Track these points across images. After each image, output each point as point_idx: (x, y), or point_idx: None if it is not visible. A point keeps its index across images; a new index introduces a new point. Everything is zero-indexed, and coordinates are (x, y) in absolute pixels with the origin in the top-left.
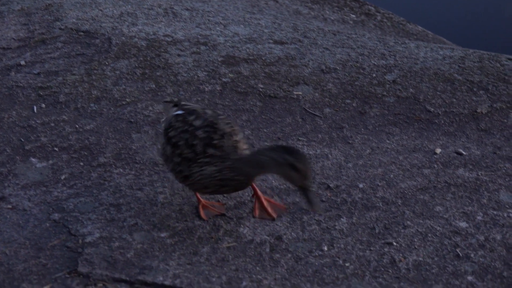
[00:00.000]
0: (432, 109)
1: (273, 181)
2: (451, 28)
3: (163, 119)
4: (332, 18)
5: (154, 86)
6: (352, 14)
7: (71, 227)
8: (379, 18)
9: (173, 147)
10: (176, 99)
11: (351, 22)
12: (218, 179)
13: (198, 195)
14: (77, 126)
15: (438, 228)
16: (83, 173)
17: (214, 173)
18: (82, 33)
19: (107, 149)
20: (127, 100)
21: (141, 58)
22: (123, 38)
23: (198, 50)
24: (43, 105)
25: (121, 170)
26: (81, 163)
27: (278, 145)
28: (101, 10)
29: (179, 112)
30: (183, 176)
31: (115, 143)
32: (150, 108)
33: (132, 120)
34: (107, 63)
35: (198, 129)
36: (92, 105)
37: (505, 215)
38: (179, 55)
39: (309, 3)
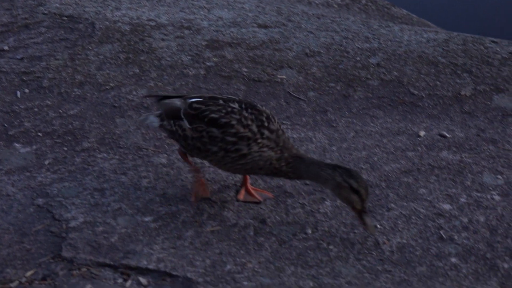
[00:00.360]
0: (416, 92)
1: None
2: (435, 11)
3: (147, 116)
4: (316, 1)
5: (138, 70)
6: None
7: (55, 212)
8: (363, 1)
9: (223, 127)
10: (160, 93)
11: (335, 5)
12: (274, 167)
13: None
14: (60, 111)
15: (422, 210)
16: (67, 158)
17: (273, 159)
18: (65, 18)
19: (91, 134)
20: (111, 84)
21: (125, 43)
22: (107, 22)
23: (182, 34)
24: (27, 90)
25: (105, 155)
26: (65, 148)
27: (340, 166)
28: None
29: (196, 99)
30: (241, 155)
31: (99, 127)
32: (134, 92)
33: (116, 105)
34: (90, 48)
35: (243, 110)
36: (75, 90)
37: (489, 197)
38: (163, 40)
39: None
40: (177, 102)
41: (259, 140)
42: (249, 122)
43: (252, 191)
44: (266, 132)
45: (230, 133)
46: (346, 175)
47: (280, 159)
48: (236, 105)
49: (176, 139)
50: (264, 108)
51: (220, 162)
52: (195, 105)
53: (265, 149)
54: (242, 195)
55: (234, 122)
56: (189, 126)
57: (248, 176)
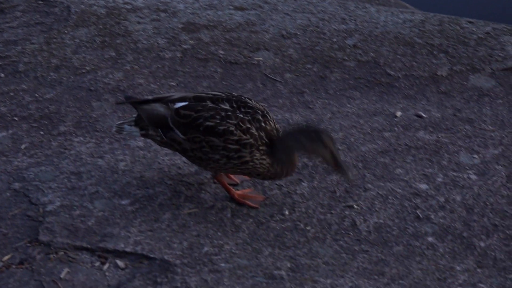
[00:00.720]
0: (392, 73)
1: None
2: None
3: (122, 125)
4: None
5: (114, 54)
6: None
7: (32, 196)
8: None
9: (223, 135)
10: (132, 98)
11: None
12: (271, 172)
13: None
14: (36, 95)
15: (399, 190)
16: (43, 142)
17: (269, 166)
18: (41, 2)
19: (67, 118)
20: (87, 68)
21: (101, 26)
22: (82, 6)
23: (158, 17)
24: (2, 75)
25: (82, 139)
26: (41, 132)
27: (303, 129)
28: None
29: (181, 104)
30: (243, 161)
31: (75, 111)
32: (110, 76)
33: (92, 88)
34: (66, 32)
35: (236, 110)
36: (51, 74)
37: (465, 176)
38: (139, 23)
39: None
40: (160, 108)
41: (261, 148)
42: (248, 125)
43: (231, 175)
44: (263, 136)
45: (232, 140)
46: (305, 130)
47: (273, 163)
48: (227, 106)
49: (173, 149)
50: (256, 103)
51: (221, 168)
52: (183, 112)
53: (264, 156)
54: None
55: (232, 128)
56: (183, 136)
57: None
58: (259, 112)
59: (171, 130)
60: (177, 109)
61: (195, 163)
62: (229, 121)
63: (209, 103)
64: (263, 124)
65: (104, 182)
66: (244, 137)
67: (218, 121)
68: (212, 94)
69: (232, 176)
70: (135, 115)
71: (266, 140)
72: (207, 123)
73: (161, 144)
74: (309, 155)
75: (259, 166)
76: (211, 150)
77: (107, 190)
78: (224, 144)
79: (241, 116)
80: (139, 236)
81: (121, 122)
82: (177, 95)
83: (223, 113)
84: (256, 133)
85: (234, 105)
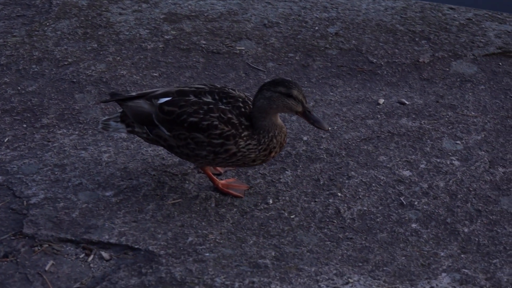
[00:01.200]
0: (374, 60)
1: None
2: None
3: (108, 122)
4: None
5: (96, 45)
6: None
7: (16, 189)
8: None
9: (207, 130)
10: (116, 95)
11: None
12: (263, 148)
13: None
14: (19, 88)
15: (382, 177)
16: (26, 135)
17: (257, 145)
18: None
19: (50, 110)
20: (69, 60)
21: (82, 18)
22: None
23: (139, 8)
24: None
25: (65, 131)
26: (24, 125)
27: (264, 83)
28: None
29: (164, 99)
30: (231, 153)
31: (58, 103)
32: (93, 67)
33: (75, 80)
34: (48, 24)
35: (218, 102)
36: (34, 66)
37: (448, 162)
38: (120, 14)
39: None
40: (145, 105)
41: (243, 134)
42: (229, 115)
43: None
44: (244, 121)
45: (215, 135)
46: (272, 86)
47: (259, 141)
48: (209, 98)
49: (160, 145)
50: (238, 92)
51: (210, 163)
52: (167, 108)
53: (249, 141)
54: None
55: (216, 122)
56: (168, 133)
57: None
58: (240, 99)
59: (157, 127)
60: (161, 105)
61: (183, 159)
62: (211, 115)
63: (192, 97)
64: (242, 110)
65: (88, 174)
66: (226, 129)
67: (201, 115)
68: (195, 88)
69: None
70: (120, 110)
71: (246, 123)
72: (191, 119)
73: (148, 141)
74: (282, 111)
75: (248, 152)
76: (197, 146)
77: (91, 182)
78: (208, 139)
79: (223, 107)
80: (124, 227)
81: (106, 118)
82: (160, 90)
83: (205, 107)
84: (236, 121)
85: (216, 97)
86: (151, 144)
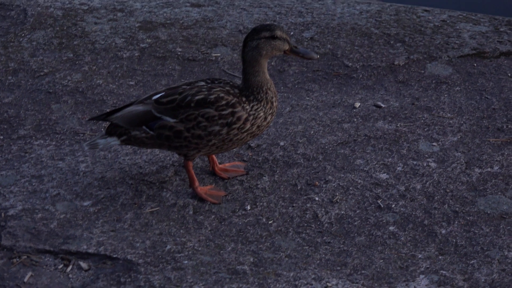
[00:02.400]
0: (350, 64)
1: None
2: None
3: (95, 141)
4: None
5: (71, 55)
6: None
7: None
8: None
9: (215, 103)
10: (100, 116)
11: None
12: (268, 107)
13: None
14: None
15: (359, 181)
16: (3, 146)
17: (259, 103)
18: None
19: (27, 121)
20: (45, 70)
21: (58, 28)
22: (39, 8)
23: (115, 17)
24: None
25: (42, 142)
26: (1, 137)
27: (246, 35)
28: None
29: (158, 95)
30: (244, 120)
31: (35, 114)
32: (69, 77)
33: (51, 91)
34: (23, 35)
35: (212, 83)
36: (9, 77)
37: (425, 164)
38: (96, 23)
39: None
40: (139, 107)
41: (243, 99)
42: (227, 88)
43: (227, 167)
44: (238, 92)
45: (223, 105)
46: (255, 35)
47: (260, 101)
48: (202, 83)
49: (161, 144)
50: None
51: (224, 141)
52: (165, 99)
53: (253, 103)
54: (224, 174)
55: (222, 94)
56: (174, 120)
57: (213, 157)
58: (227, 80)
59: (158, 119)
60: (157, 99)
61: (191, 147)
62: (214, 90)
63: (185, 86)
64: (232, 85)
65: (66, 184)
66: (230, 98)
67: (206, 92)
68: (181, 83)
69: (221, 172)
70: (102, 130)
71: (241, 92)
72: (197, 97)
73: (147, 141)
74: (271, 54)
75: (256, 113)
76: (209, 122)
77: (68, 192)
78: (218, 112)
79: (219, 84)
80: (102, 237)
81: (91, 140)
82: (146, 95)
83: (205, 87)
84: (233, 91)
85: (208, 81)
86: (128, 153)
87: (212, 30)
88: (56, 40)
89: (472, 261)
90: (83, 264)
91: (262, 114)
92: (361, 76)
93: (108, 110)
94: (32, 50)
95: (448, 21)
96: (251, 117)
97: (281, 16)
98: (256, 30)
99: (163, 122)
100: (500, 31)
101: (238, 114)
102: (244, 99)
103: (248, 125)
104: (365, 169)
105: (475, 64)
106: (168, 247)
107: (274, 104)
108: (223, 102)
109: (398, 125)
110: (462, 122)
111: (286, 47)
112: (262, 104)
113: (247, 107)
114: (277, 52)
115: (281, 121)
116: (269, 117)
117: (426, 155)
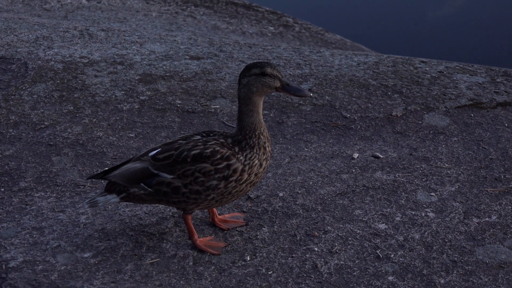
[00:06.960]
0: (348, 115)
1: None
2: (369, 35)
3: (95, 199)
4: (250, 31)
5: (72, 108)
6: (271, 26)
7: None
8: (297, 29)
9: (210, 158)
10: (98, 174)
11: (269, 34)
12: (263, 147)
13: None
14: None
15: (358, 231)
16: (4, 198)
17: (253, 150)
18: None
19: (28, 174)
20: (46, 123)
21: (58, 81)
22: (39, 62)
23: (115, 70)
24: None
25: (43, 194)
26: (2, 189)
27: (241, 72)
28: (16, 35)
29: (154, 152)
30: (241, 171)
31: (35, 167)
32: (69, 130)
33: (52, 143)
34: (24, 88)
35: (207, 136)
36: (10, 130)
37: (423, 214)
38: (96, 76)
39: (227, 18)
40: (136, 164)
41: (236, 149)
42: (221, 140)
43: (227, 218)
44: (231, 142)
45: (218, 159)
46: (246, 72)
47: (252, 149)
48: (198, 137)
49: (160, 200)
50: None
51: (223, 195)
52: (161, 156)
53: (245, 152)
54: (223, 225)
55: (217, 148)
56: (171, 176)
57: (214, 210)
58: (221, 132)
59: (156, 176)
60: (154, 156)
61: (189, 202)
62: (210, 143)
63: (181, 141)
64: (225, 135)
65: (66, 236)
66: (224, 151)
67: (201, 146)
68: (177, 138)
69: (220, 223)
70: (102, 182)
71: (233, 143)
72: (193, 152)
73: (145, 197)
74: (262, 91)
75: (251, 162)
76: (206, 177)
77: (69, 243)
78: (213, 166)
79: (214, 137)
80: None
81: (90, 198)
82: (143, 151)
83: (200, 141)
84: (226, 143)
85: (204, 134)
86: (128, 205)
87: (211, 82)
88: (56, 93)
89: None
90: None
91: (256, 161)
92: (359, 127)
93: (106, 168)
94: (32, 103)
95: (445, 72)
96: (246, 167)
97: (279, 68)
98: (247, 68)
99: (160, 178)
100: (496, 82)
101: (234, 167)
102: (237, 149)
103: (245, 176)
104: (363, 219)
105: (472, 115)
106: None
107: (267, 149)
108: (218, 156)
109: (396, 176)
110: (459, 172)
111: (278, 84)
112: (255, 150)
113: (241, 157)
114: (268, 89)
115: (280, 172)
116: (264, 163)
117: (424, 205)
